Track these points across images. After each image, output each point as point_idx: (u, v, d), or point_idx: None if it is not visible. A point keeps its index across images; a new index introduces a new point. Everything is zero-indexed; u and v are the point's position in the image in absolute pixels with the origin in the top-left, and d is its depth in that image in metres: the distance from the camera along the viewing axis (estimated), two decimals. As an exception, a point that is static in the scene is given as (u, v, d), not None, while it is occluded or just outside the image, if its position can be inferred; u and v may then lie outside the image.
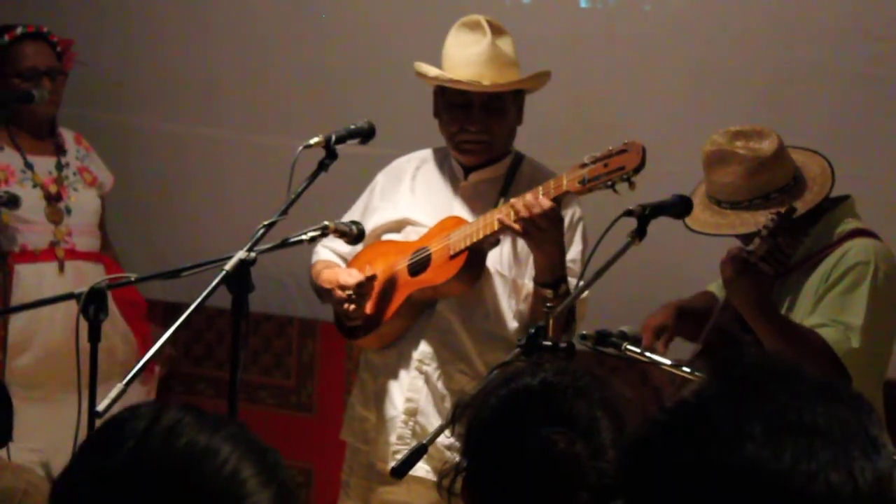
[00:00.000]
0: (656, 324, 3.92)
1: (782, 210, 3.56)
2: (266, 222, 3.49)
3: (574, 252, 3.98)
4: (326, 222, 3.73)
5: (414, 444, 3.95)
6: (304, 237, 3.66)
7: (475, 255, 3.89)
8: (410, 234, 4.07)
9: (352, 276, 4.02)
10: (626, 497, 1.43)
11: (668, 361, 3.47)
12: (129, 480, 1.45)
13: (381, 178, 4.20)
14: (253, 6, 5.59)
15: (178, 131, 5.74)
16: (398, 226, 4.12)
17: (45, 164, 4.88)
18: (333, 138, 3.70)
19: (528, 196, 3.72)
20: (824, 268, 3.67)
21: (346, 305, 4.00)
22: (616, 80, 4.94)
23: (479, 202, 4.01)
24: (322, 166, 3.68)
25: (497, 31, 3.99)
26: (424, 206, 4.11)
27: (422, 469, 3.79)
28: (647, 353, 3.46)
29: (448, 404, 3.98)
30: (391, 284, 4.05)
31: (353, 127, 3.80)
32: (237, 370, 3.35)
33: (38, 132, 4.91)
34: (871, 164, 4.48)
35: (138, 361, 3.22)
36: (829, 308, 3.62)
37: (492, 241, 3.87)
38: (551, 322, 3.28)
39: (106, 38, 5.74)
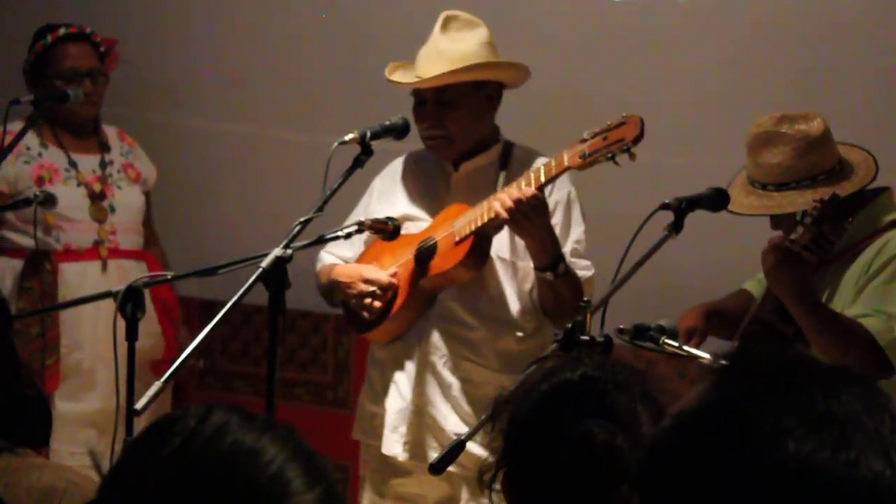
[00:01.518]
0: (685, 327, 3.91)
1: (826, 197, 3.54)
2: (302, 219, 3.48)
3: (577, 232, 4.02)
4: (362, 218, 3.74)
5: (423, 433, 4.00)
6: (340, 233, 3.66)
7: (480, 240, 3.92)
8: (411, 229, 4.08)
9: (371, 272, 4.05)
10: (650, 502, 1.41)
11: (706, 355, 3.46)
12: (175, 477, 1.45)
13: (377, 182, 4.23)
14: (285, 2, 5.61)
15: (212, 128, 5.76)
16: None
17: (88, 163, 4.89)
18: (368, 134, 3.69)
19: (512, 188, 3.78)
20: (865, 258, 3.65)
21: (368, 300, 4.02)
22: (646, 73, 4.93)
23: (476, 190, 4.02)
24: (357, 162, 3.67)
25: (465, 24, 4.02)
26: (421, 200, 4.14)
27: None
28: (685, 347, 3.45)
29: (456, 392, 4.00)
30: (399, 277, 4.07)
31: (387, 123, 3.79)
32: (274, 367, 3.34)
33: (81, 131, 4.92)
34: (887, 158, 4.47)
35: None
36: (872, 298, 3.60)
37: (496, 225, 3.89)
38: (588, 317, 3.27)
39: (134, 36, 5.75)
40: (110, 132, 5.02)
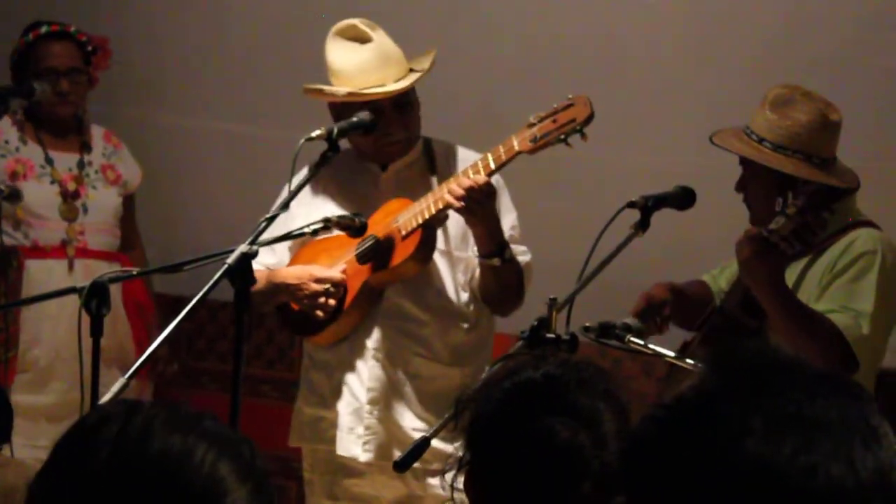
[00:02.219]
0: (657, 296, 3.90)
1: (811, 181, 3.55)
2: (267, 216, 3.48)
3: (511, 218, 4.03)
4: (328, 215, 3.72)
5: (381, 432, 3.99)
6: (306, 230, 3.65)
7: (428, 232, 3.91)
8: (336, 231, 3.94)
9: (328, 271, 4.00)
10: (628, 495, 1.42)
11: (671, 353, 3.46)
12: (108, 490, 1.44)
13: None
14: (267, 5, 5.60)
15: (174, 123, 5.73)
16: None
17: (66, 161, 4.87)
18: (335, 131, 3.69)
19: (463, 176, 3.79)
20: (829, 256, 3.67)
21: (322, 300, 3.97)
22: (619, 72, 4.93)
23: (407, 187, 4.02)
24: (325, 158, 3.67)
25: (373, 28, 4.00)
26: (348, 202, 4.07)
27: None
28: (651, 346, 3.45)
29: (409, 389, 4.01)
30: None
31: (354, 120, 3.80)
32: (240, 364, 3.34)
33: (62, 130, 4.89)
34: (891, 155, 4.50)
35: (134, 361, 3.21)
36: (838, 295, 3.62)
37: (442, 216, 3.89)
38: (554, 315, 3.27)
39: (127, 35, 5.73)
40: (96, 132, 4.98)
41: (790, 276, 3.69)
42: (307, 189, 4.03)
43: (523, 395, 2.18)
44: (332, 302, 3.98)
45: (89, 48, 4.87)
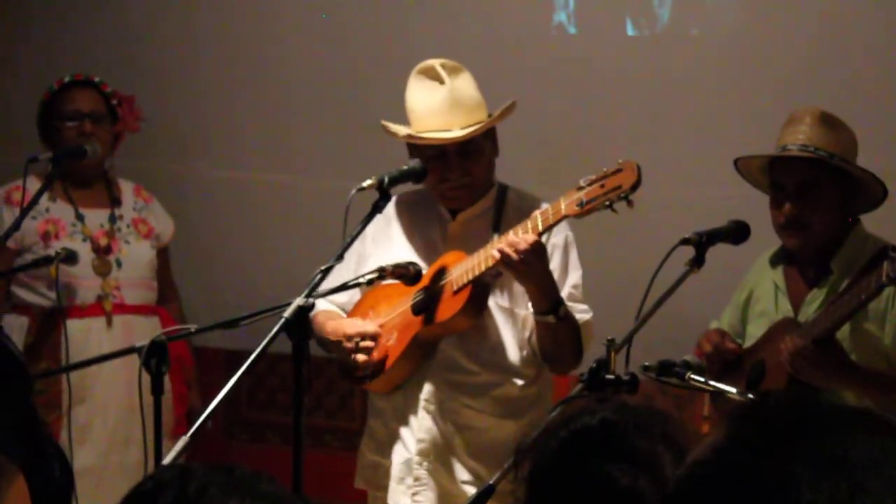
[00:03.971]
0: (715, 338, 3.91)
1: None
2: (322, 267, 3.47)
3: (575, 277, 4.02)
4: (383, 264, 3.73)
5: (431, 483, 3.99)
6: (361, 280, 3.66)
7: (479, 289, 3.91)
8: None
9: (354, 326, 4.03)
10: None
11: (732, 390, 3.43)
12: None
13: (370, 226, 3.92)
14: (308, 52, 5.64)
15: (234, 176, 5.78)
16: None
17: (97, 217, 4.89)
18: (387, 180, 3.68)
19: (511, 234, 3.77)
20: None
21: (354, 356, 3.99)
22: (665, 105, 4.93)
23: (470, 240, 4.00)
24: (376, 208, 3.67)
25: (454, 71, 3.99)
26: (416, 248, 4.10)
27: None
28: (712, 382, 3.42)
29: (459, 441, 4.00)
30: (396, 327, 4.04)
31: (405, 168, 3.78)
32: (300, 416, 3.34)
33: (88, 181, 4.91)
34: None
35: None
36: None
37: (493, 273, 3.88)
38: (613, 356, 3.25)
39: (166, 90, 5.79)
40: (126, 187, 5.01)
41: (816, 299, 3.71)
42: (383, 228, 4.12)
43: (581, 443, 2.16)
44: (361, 358, 3.99)
45: (114, 101, 4.91)
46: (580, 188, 3.65)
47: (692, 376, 3.36)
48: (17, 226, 4.46)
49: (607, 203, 3.57)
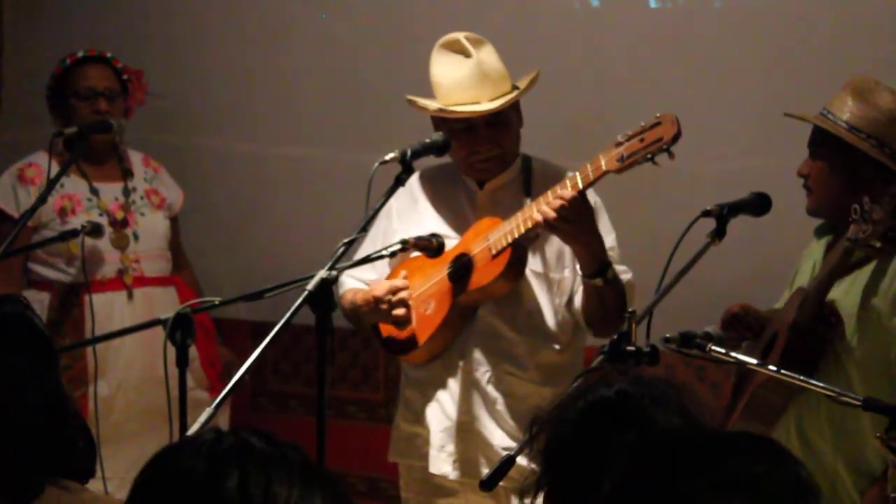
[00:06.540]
0: (738, 308, 3.91)
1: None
2: (346, 240, 3.48)
3: (610, 239, 3.98)
4: (406, 237, 3.75)
5: (471, 450, 4.00)
6: (385, 252, 3.68)
7: (518, 251, 3.90)
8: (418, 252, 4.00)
9: (382, 286, 4.01)
10: None
11: (753, 361, 3.44)
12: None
13: (393, 202, 3.97)
14: (330, 27, 5.64)
15: (255, 151, 5.80)
16: None
17: (111, 190, 4.91)
18: (409, 153, 3.67)
19: (550, 195, 3.74)
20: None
21: (395, 312, 3.97)
22: (688, 79, 4.93)
23: (501, 208, 4.00)
24: (399, 181, 3.66)
25: (478, 44, 3.98)
26: (446, 219, 4.11)
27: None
28: (733, 353, 3.43)
29: (500, 407, 4.00)
30: (434, 295, 4.04)
31: (427, 141, 3.78)
32: (324, 388, 3.37)
33: (101, 157, 4.93)
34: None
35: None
36: None
37: (531, 236, 3.88)
38: (634, 327, 3.26)
39: (178, 66, 5.82)
40: (135, 158, 5.03)
41: (855, 284, 3.67)
42: (408, 203, 4.13)
43: (598, 414, 2.18)
44: (400, 311, 3.98)
45: (125, 76, 4.92)
46: (619, 144, 3.64)
47: (713, 347, 3.37)
48: (43, 199, 4.46)
49: (648, 156, 3.56)
